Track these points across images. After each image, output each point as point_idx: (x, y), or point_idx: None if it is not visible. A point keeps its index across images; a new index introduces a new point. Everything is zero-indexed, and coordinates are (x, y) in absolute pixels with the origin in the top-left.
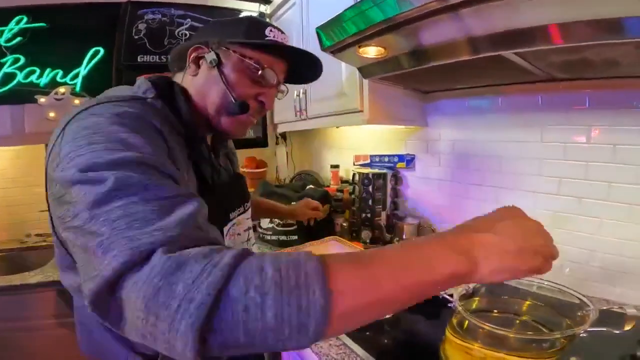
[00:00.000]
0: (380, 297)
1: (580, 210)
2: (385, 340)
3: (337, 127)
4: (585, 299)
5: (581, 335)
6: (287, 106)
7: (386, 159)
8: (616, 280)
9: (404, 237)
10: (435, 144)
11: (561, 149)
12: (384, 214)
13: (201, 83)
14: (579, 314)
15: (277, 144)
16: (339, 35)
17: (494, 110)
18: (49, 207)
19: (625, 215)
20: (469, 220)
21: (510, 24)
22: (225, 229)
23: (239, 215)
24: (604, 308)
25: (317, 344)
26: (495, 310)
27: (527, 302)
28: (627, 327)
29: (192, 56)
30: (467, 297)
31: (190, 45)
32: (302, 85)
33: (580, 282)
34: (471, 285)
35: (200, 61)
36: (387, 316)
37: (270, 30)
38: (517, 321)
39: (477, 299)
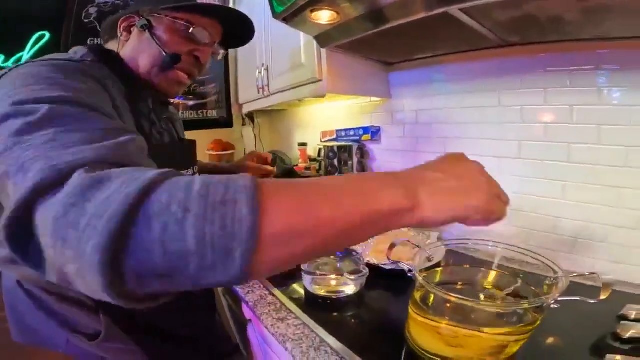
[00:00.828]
0: (315, 223)
1: (542, 174)
2: (351, 321)
3: (300, 101)
4: (553, 266)
5: (553, 306)
6: (250, 84)
7: (352, 133)
8: (585, 250)
9: None
10: (400, 115)
11: (519, 113)
12: None
13: (133, 47)
14: (547, 282)
15: (243, 124)
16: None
17: (454, 79)
18: None
19: (588, 177)
20: (414, 166)
21: None
22: None
23: None
24: (575, 275)
25: (277, 325)
26: (460, 282)
27: (493, 273)
28: (603, 296)
29: (123, 25)
30: (428, 269)
31: (121, 16)
32: (264, 62)
33: (549, 254)
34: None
35: (132, 28)
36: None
37: None
38: (484, 295)
39: (439, 269)
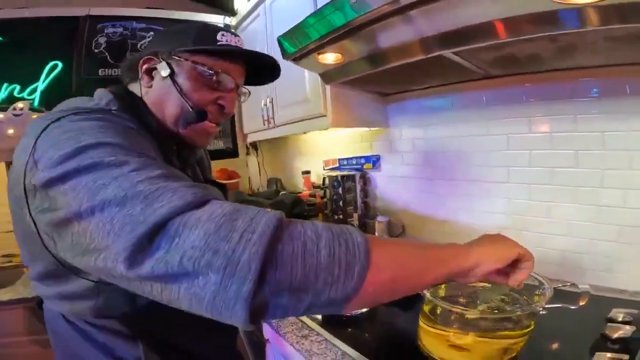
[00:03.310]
0: (407, 271)
1: (529, 196)
2: (366, 335)
3: (305, 133)
4: (541, 279)
5: (542, 312)
6: (256, 115)
7: (354, 162)
8: (571, 263)
9: (375, 234)
10: (398, 144)
11: (505, 140)
12: (355, 215)
13: (156, 95)
14: (537, 292)
15: (247, 154)
16: (302, 42)
17: (446, 108)
18: (18, 223)
19: (569, 197)
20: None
21: (452, 23)
22: None
23: None
24: (559, 286)
25: (302, 342)
26: (462, 296)
27: (491, 286)
28: (582, 303)
29: (144, 68)
30: (433, 285)
31: (141, 57)
32: (269, 94)
33: (541, 266)
34: None
35: (153, 72)
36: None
37: (222, 35)
38: (483, 305)
39: (443, 286)
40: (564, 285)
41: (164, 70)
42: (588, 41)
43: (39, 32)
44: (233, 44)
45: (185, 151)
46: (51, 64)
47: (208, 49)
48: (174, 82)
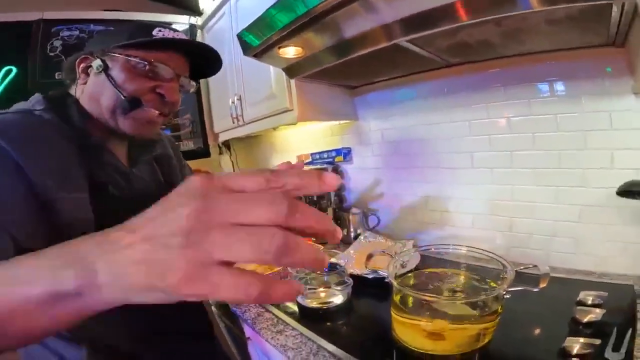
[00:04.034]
0: None
1: (492, 180)
2: (342, 328)
3: (275, 129)
4: (503, 262)
5: (506, 296)
6: (225, 114)
7: (325, 155)
8: (538, 245)
9: (351, 227)
10: (367, 136)
11: (467, 127)
12: (330, 209)
13: (91, 90)
14: (501, 276)
15: (220, 153)
16: (265, 33)
17: (411, 98)
18: None
19: (530, 179)
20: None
21: (410, 8)
22: None
23: None
24: (521, 269)
25: (277, 337)
26: (430, 283)
27: (458, 273)
28: (542, 285)
29: (80, 67)
30: (401, 275)
31: (77, 58)
32: (237, 92)
33: (511, 251)
34: (403, 258)
35: (89, 70)
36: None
37: (159, 30)
38: (450, 291)
39: (412, 274)
40: (526, 268)
41: (97, 66)
42: (531, 24)
43: None
44: (170, 37)
45: (135, 150)
46: (5, 69)
47: (139, 41)
48: (108, 75)
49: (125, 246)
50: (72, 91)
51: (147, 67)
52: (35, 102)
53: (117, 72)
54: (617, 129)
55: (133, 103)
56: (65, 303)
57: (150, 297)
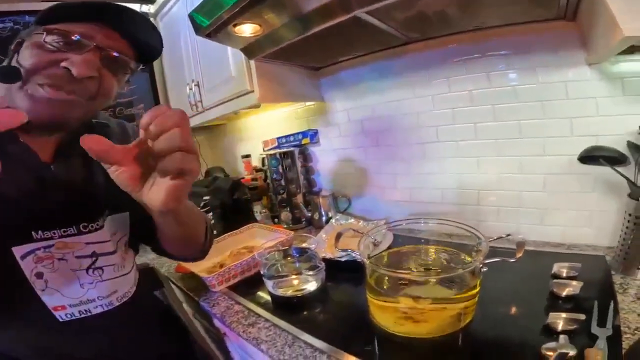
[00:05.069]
0: None
1: (458, 153)
2: (319, 316)
3: (236, 114)
4: (477, 233)
5: (483, 269)
6: (183, 102)
7: (292, 139)
8: (507, 217)
9: (322, 210)
10: (333, 116)
11: (430, 101)
12: (299, 193)
13: None
14: (475, 249)
15: None
16: (215, 12)
17: (375, 77)
18: None
19: (493, 151)
20: None
21: None
22: (22, 250)
23: (64, 237)
24: (495, 239)
25: (249, 330)
26: (405, 261)
27: (431, 248)
28: (519, 254)
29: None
30: (375, 256)
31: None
32: (194, 78)
33: (482, 224)
34: (374, 236)
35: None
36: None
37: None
38: (425, 268)
39: (385, 253)
40: (499, 238)
41: (14, 47)
42: None
43: None
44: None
45: (65, 145)
46: None
47: (45, 11)
48: (16, 53)
49: None
50: None
51: (45, 39)
52: None
53: (23, 49)
54: (574, 98)
55: (7, 74)
56: None
57: None
